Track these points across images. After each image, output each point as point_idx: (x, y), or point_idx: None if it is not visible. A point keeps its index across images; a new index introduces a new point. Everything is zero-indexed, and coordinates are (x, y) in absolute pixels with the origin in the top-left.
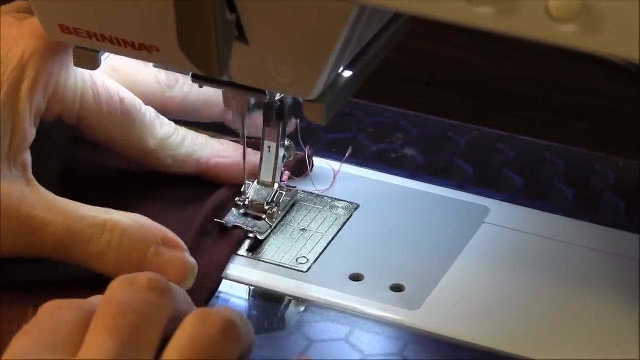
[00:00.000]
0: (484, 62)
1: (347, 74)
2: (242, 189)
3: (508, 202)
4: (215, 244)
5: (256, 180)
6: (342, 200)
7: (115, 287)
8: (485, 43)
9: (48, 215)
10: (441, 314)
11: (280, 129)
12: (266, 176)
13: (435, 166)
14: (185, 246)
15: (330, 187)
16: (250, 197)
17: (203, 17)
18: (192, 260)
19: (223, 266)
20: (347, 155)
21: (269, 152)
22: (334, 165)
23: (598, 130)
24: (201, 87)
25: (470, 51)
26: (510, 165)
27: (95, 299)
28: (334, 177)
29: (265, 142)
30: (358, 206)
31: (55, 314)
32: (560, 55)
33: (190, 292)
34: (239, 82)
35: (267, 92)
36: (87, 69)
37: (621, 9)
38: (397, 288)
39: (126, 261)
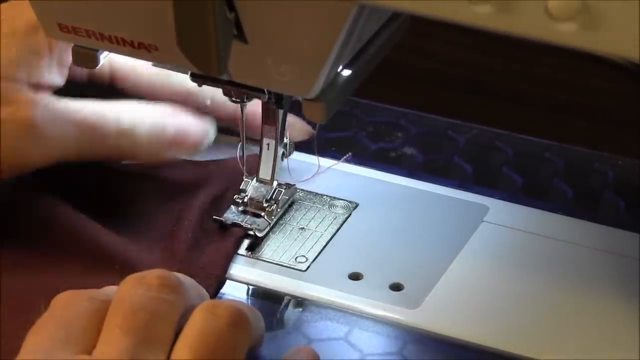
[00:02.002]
0: (483, 60)
1: (347, 72)
2: (241, 186)
3: (507, 200)
4: (215, 244)
5: (255, 178)
6: (341, 199)
7: (126, 287)
8: (484, 42)
9: (77, 103)
10: (440, 313)
11: (279, 126)
12: (265, 173)
13: (435, 165)
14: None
15: (312, 177)
16: (249, 195)
17: (202, 16)
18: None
19: (225, 268)
20: (345, 157)
21: (268, 149)
22: (332, 163)
23: (598, 129)
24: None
25: (470, 50)
26: (509, 164)
27: (109, 289)
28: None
29: (264, 139)
30: (357, 205)
31: (69, 306)
32: (559, 54)
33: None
34: (238, 81)
35: (265, 90)
36: (86, 67)
37: (621, 8)
38: (396, 287)
39: (153, 130)
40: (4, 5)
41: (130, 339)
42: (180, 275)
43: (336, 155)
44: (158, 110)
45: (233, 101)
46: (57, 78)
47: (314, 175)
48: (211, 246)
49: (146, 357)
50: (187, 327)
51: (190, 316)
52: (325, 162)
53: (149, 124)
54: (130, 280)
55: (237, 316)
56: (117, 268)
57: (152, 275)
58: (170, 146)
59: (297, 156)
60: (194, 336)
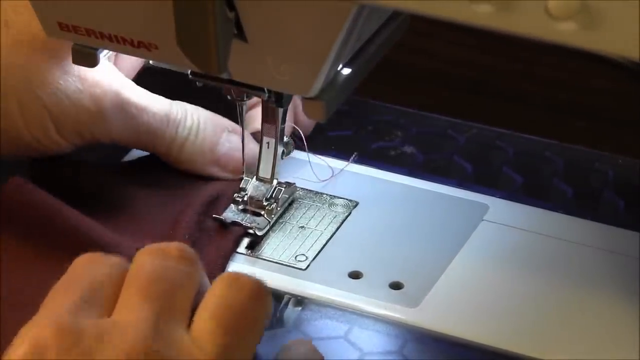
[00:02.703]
0: (483, 59)
1: (346, 71)
2: (241, 185)
3: (507, 199)
4: (215, 242)
5: (255, 177)
6: (341, 198)
7: (144, 256)
8: (484, 41)
9: (146, 101)
10: (440, 312)
11: (279, 125)
12: (265, 172)
13: (435, 164)
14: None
15: (328, 180)
16: (249, 193)
17: (202, 15)
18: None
19: (224, 266)
20: (351, 159)
21: (268, 148)
22: (332, 162)
23: (598, 128)
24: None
25: (469, 49)
26: (509, 163)
27: (125, 260)
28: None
29: (264, 138)
30: (357, 204)
31: (90, 268)
32: (559, 53)
33: None
34: (238, 80)
35: (265, 89)
36: (86, 66)
37: (620, 7)
38: (396, 286)
39: (204, 145)
40: None
41: (150, 306)
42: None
43: (336, 154)
44: (217, 122)
45: (233, 100)
46: (135, 63)
47: (331, 177)
48: (210, 245)
49: (166, 326)
50: (208, 296)
51: (211, 287)
52: (333, 162)
53: (202, 138)
54: (148, 249)
55: (258, 289)
56: None
57: (172, 246)
58: (213, 165)
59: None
60: (216, 305)
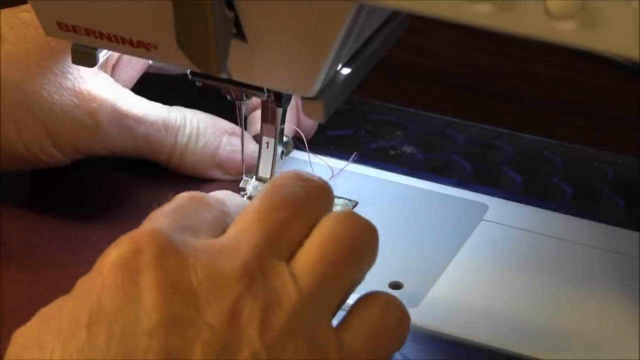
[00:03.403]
0: (482, 59)
1: (346, 71)
2: (240, 185)
3: (507, 199)
4: None
5: (254, 176)
6: (341, 198)
7: (288, 176)
8: (483, 40)
9: (143, 111)
10: (440, 312)
11: (279, 125)
12: (264, 172)
13: (434, 163)
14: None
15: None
16: (248, 193)
17: (201, 15)
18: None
19: None
20: (351, 159)
21: (267, 148)
22: (331, 162)
23: (597, 127)
24: None
25: (469, 48)
26: (509, 163)
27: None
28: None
29: (264, 137)
30: (356, 203)
31: (195, 204)
32: (559, 53)
33: None
34: (237, 80)
35: (265, 89)
36: (85, 66)
37: (620, 7)
38: (395, 285)
39: (205, 150)
40: None
41: (264, 232)
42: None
43: (335, 154)
44: (217, 125)
45: (232, 100)
46: (133, 74)
47: (331, 177)
48: None
49: (271, 257)
50: (316, 230)
51: (320, 222)
52: (333, 162)
53: (203, 143)
54: (292, 172)
55: (370, 229)
56: None
57: (314, 177)
58: (215, 168)
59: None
60: (322, 238)
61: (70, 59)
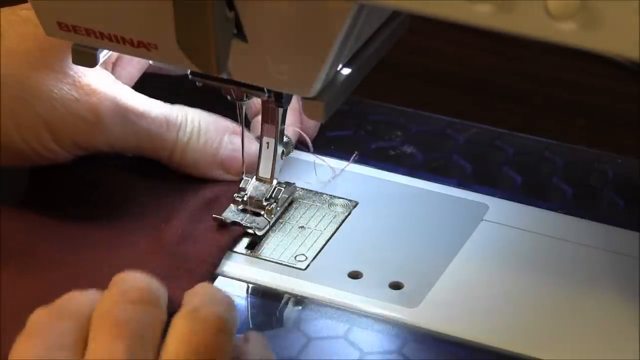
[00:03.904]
0: (483, 59)
1: (346, 71)
2: (241, 185)
3: (507, 199)
4: (210, 238)
5: (254, 177)
6: (341, 198)
7: (108, 302)
8: (484, 40)
9: (144, 106)
10: (440, 312)
11: (279, 125)
12: (264, 172)
13: (434, 164)
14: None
15: (330, 180)
16: (248, 193)
17: (202, 15)
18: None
19: (219, 256)
20: (351, 159)
21: (267, 148)
22: (332, 162)
23: (597, 127)
24: None
25: (469, 48)
26: (509, 163)
27: (80, 305)
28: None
29: (264, 138)
30: (357, 204)
31: (51, 322)
32: (559, 53)
33: (187, 281)
34: (238, 80)
35: (265, 89)
36: (86, 66)
37: (620, 7)
38: (395, 286)
39: (207, 148)
40: None
41: (122, 342)
42: (152, 280)
43: (335, 154)
44: (218, 124)
45: (233, 100)
46: (134, 72)
47: (333, 177)
48: (204, 240)
49: (140, 357)
50: (170, 334)
51: (173, 323)
52: (333, 162)
53: (204, 141)
54: (111, 295)
55: (218, 321)
56: (105, 271)
57: (133, 289)
58: (217, 167)
59: (297, 154)
60: (179, 342)
61: (70, 55)
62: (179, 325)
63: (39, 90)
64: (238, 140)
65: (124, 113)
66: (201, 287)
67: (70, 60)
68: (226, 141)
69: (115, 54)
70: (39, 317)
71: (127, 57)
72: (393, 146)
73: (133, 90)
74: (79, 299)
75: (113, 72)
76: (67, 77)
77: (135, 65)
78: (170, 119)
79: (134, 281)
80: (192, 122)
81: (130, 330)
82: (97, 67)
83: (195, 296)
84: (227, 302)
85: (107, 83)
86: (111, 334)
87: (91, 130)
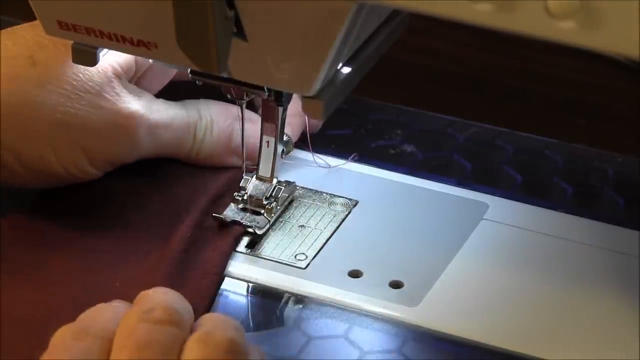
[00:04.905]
0: (482, 58)
1: (346, 70)
2: (241, 184)
3: (507, 198)
4: (214, 243)
5: (255, 175)
6: (341, 197)
7: (132, 321)
8: (484, 39)
9: (168, 116)
10: (440, 311)
11: (279, 124)
12: (264, 171)
13: (434, 162)
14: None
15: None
16: (248, 192)
17: (202, 14)
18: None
19: (224, 265)
20: (350, 158)
21: (268, 147)
22: (331, 161)
23: (597, 126)
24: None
25: (469, 47)
26: (509, 162)
27: (104, 322)
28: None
29: (264, 137)
30: (357, 202)
31: (73, 342)
32: (559, 52)
33: (193, 290)
34: (238, 79)
35: (265, 88)
36: (85, 65)
37: (620, 6)
38: (396, 285)
39: (220, 139)
40: None
41: None
42: (177, 298)
43: (335, 153)
44: (228, 112)
45: (233, 99)
46: (158, 85)
47: (331, 168)
48: (209, 245)
49: None
50: (184, 355)
51: (185, 347)
52: (331, 161)
53: (217, 132)
54: (136, 313)
55: (230, 345)
56: (117, 285)
57: (158, 308)
58: (232, 155)
59: (297, 154)
60: None
61: (106, 79)
62: (192, 349)
63: (75, 117)
64: (249, 126)
65: (153, 130)
66: (210, 315)
67: (105, 83)
68: (237, 127)
69: (141, 69)
70: (62, 335)
71: (152, 71)
72: (393, 145)
73: (158, 100)
74: (103, 315)
75: (138, 85)
76: (104, 102)
77: (160, 79)
78: (189, 121)
79: (159, 299)
80: (204, 116)
81: (153, 352)
82: (130, 84)
83: (207, 321)
84: (237, 327)
85: (140, 102)
86: (133, 356)
87: (126, 151)
